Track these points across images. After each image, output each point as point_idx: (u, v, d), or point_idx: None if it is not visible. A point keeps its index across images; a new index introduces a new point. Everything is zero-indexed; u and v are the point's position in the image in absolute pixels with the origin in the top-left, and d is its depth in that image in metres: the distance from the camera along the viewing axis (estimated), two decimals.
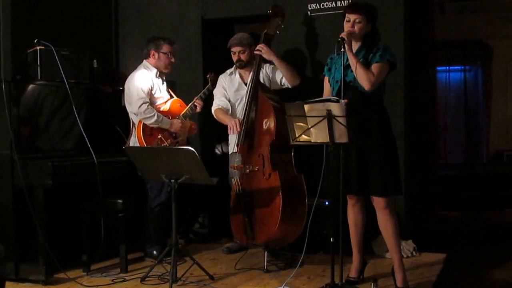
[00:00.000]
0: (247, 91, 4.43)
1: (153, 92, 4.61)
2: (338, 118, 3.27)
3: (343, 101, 3.31)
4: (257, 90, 4.34)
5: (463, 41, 9.13)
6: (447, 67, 9.47)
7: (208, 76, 4.86)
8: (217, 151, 4.70)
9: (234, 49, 4.66)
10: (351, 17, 3.60)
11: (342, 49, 3.46)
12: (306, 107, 3.35)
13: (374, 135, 3.54)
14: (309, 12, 4.94)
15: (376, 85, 3.57)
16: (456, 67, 9.56)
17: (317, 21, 4.92)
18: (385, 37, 4.09)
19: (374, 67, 3.57)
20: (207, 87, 4.82)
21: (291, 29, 4.77)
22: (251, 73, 4.49)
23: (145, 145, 4.43)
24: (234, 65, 4.76)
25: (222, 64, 5.00)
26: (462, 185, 7.50)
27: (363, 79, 3.52)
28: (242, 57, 4.65)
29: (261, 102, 4.29)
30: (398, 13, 4.69)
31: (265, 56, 4.43)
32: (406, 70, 4.69)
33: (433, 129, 5.38)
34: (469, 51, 9.44)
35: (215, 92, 4.78)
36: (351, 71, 3.58)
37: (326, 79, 3.84)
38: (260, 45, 4.43)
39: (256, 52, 4.43)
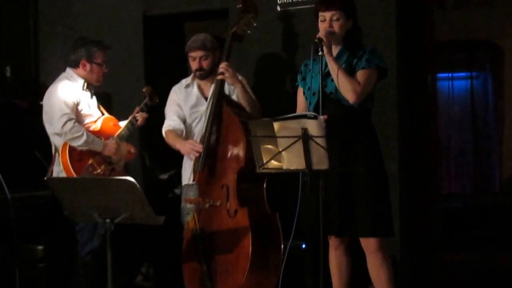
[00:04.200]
0: (208, 107, 4.42)
1: (79, 108, 4.60)
2: (316, 139, 3.26)
3: (322, 117, 3.33)
4: (221, 104, 4.33)
5: (469, 41, 9.24)
6: (450, 74, 9.57)
7: (144, 90, 4.88)
8: (163, 177, 4.69)
9: (194, 54, 4.61)
10: (326, 15, 3.65)
11: (320, 53, 3.50)
12: (276, 125, 3.34)
13: (360, 160, 3.57)
14: (278, 7, 5.00)
15: (363, 97, 3.61)
16: (460, 74, 9.66)
17: (288, 18, 4.96)
18: (373, 38, 4.19)
19: (360, 74, 3.62)
20: (144, 102, 4.83)
21: (256, 28, 4.79)
22: (214, 84, 4.47)
23: (73, 174, 4.42)
24: (192, 74, 4.75)
25: (170, 71, 4.98)
26: (471, 220, 7.53)
27: (347, 89, 3.56)
28: (204, 64, 4.60)
29: (227, 120, 4.28)
30: (389, 8, 4.74)
31: (229, 81, 4.39)
32: (399, 78, 4.74)
33: (434, 151, 5.42)
34: (476, 54, 9.57)
35: (166, 109, 4.76)
36: (332, 80, 3.61)
37: (300, 90, 3.87)
38: (223, 66, 4.35)
39: (218, 77, 4.37)
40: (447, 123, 9.33)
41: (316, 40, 3.50)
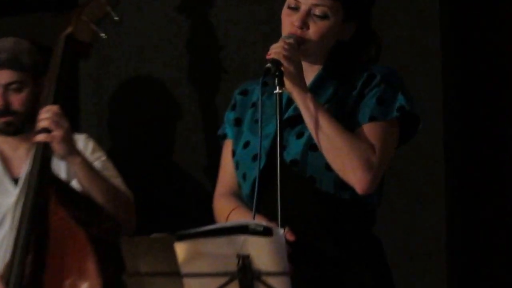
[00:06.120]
0: (19, 199, 4.68)
1: None
2: (270, 279, 3.05)
3: (280, 230, 3.18)
4: (47, 198, 4.49)
5: None
6: None
7: None
8: None
9: None
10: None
11: (277, 89, 3.45)
12: (181, 248, 3.13)
13: None
14: None
15: (380, 178, 3.64)
16: None
17: (211, 9, 5.46)
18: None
19: (369, 130, 3.62)
20: None
21: (148, 27, 5.12)
22: (33, 153, 4.55)
23: None
24: None
25: None
26: None
27: (350, 163, 3.56)
28: (15, 101, 4.90)
29: (61, 234, 4.48)
30: (431, 9, 5.07)
31: (57, 149, 4.49)
32: (446, 136, 5.05)
33: None
34: None
35: None
36: (298, 136, 3.65)
37: (228, 145, 3.90)
38: (48, 114, 4.50)
39: (38, 137, 4.50)
40: None
41: (269, 65, 3.49)
